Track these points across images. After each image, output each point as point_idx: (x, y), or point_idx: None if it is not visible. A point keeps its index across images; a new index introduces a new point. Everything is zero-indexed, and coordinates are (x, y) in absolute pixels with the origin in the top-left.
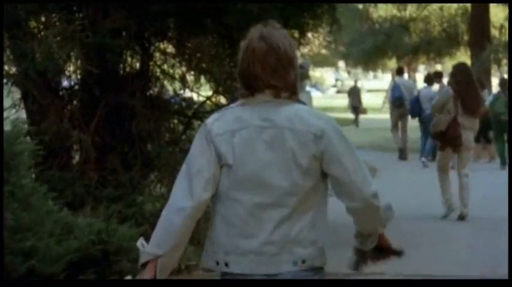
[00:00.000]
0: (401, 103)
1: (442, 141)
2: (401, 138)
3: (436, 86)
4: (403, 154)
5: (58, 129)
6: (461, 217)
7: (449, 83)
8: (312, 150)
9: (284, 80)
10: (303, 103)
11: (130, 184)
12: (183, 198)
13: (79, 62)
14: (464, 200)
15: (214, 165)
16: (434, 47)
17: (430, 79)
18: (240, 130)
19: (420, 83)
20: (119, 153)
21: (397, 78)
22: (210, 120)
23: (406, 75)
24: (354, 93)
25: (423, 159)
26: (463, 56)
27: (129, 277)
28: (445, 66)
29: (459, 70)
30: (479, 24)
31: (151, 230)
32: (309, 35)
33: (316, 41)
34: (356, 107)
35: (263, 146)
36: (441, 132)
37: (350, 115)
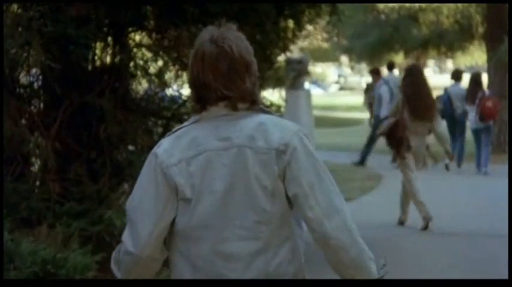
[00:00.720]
0: (391, 101)
1: (389, 144)
2: None
3: (464, 83)
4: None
5: (13, 133)
6: (401, 222)
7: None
8: (275, 169)
9: (239, 89)
10: (269, 112)
11: (97, 196)
12: (129, 242)
13: (36, 55)
14: (403, 206)
15: (164, 204)
16: (445, 40)
17: (458, 75)
18: (197, 156)
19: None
20: (84, 161)
21: (387, 74)
22: (160, 149)
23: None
24: (372, 91)
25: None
26: (478, 51)
27: None
28: (457, 61)
29: (410, 72)
30: (496, 15)
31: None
32: (309, 26)
33: (316, 34)
34: (372, 103)
35: (224, 171)
36: (385, 134)
37: (354, 115)
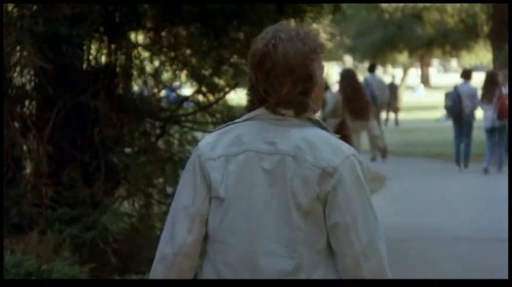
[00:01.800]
0: (374, 102)
1: None
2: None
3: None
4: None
5: (4, 136)
6: None
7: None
8: (316, 189)
9: (277, 94)
10: (325, 128)
11: (91, 201)
12: (165, 243)
13: (28, 55)
14: None
15: (202, 198)
16: (450, 39)
17: (467, 74)
18: (237, 155)
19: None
20: (78, 164)
21: (368, 76)
22: (203, 141)
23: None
24: (391, 91)
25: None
26: (482, 50)
27: None
28: (462, 60)
29: (345, 76)
30: (501, 13)
31: (117, 259)
32: (312, 26)
33: (320, 32)
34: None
35: (263, 176)
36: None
37: None
